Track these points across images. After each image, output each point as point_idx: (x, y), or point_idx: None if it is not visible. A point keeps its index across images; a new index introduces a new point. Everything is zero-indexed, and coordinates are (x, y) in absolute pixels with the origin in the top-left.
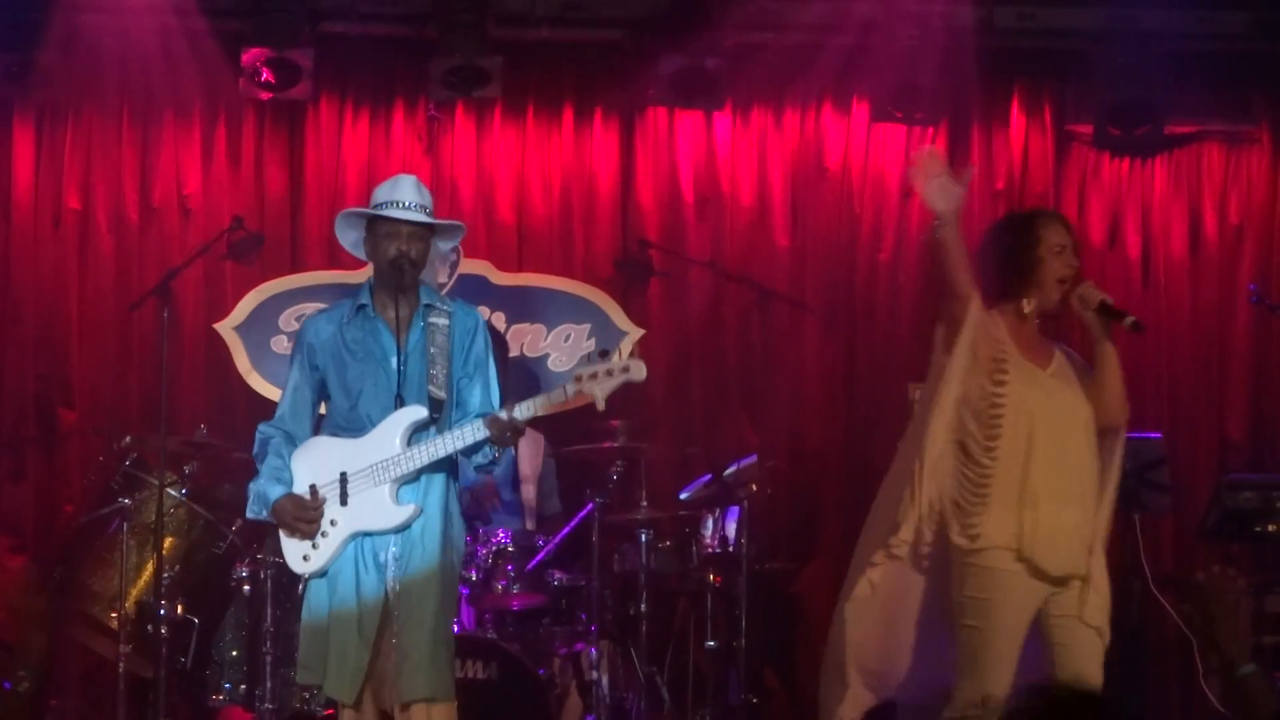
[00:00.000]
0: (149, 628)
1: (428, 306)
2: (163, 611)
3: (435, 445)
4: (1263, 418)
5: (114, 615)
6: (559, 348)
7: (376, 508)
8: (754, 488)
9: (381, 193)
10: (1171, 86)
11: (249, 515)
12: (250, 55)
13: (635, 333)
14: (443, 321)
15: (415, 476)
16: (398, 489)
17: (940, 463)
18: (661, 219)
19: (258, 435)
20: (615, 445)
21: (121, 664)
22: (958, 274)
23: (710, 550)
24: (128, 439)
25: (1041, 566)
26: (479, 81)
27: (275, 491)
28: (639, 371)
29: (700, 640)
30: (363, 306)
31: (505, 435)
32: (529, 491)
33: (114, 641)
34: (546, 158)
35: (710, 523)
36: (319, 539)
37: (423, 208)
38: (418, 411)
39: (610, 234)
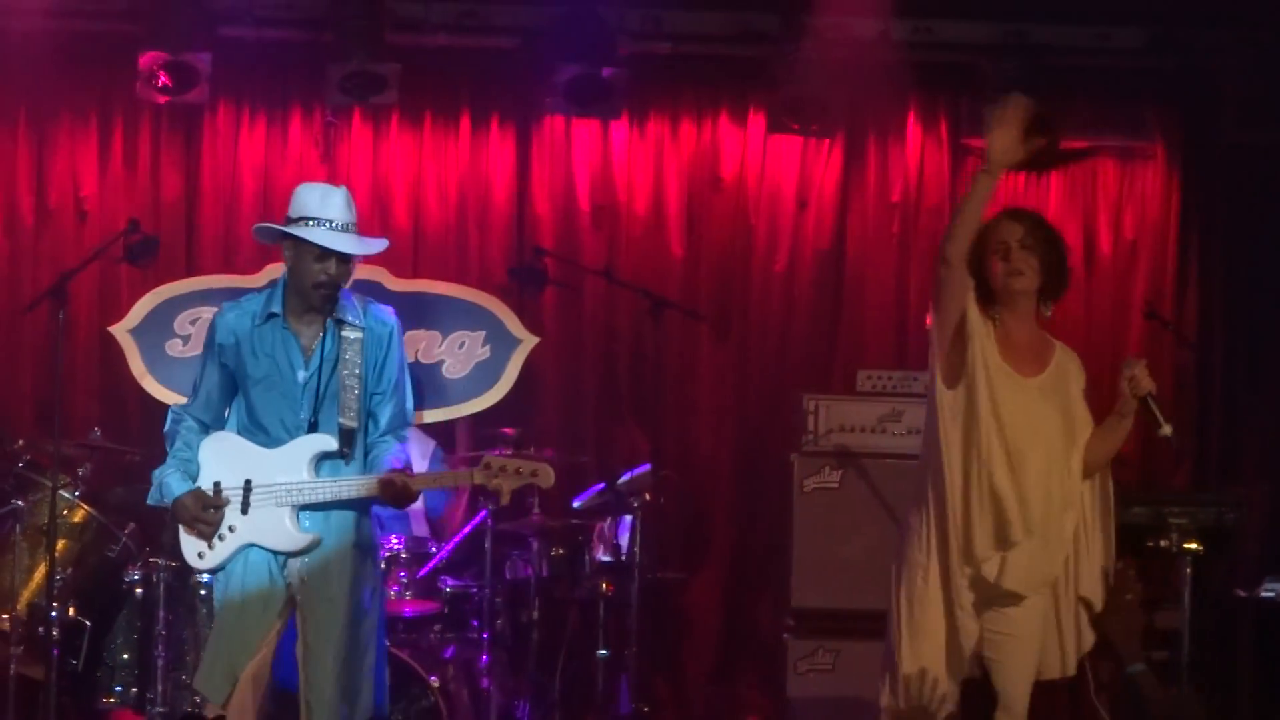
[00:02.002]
0: (40, 630)
1: (339, 322)
2: (54, 614)
3: (338, 486)
4: (1153, 434)
5: (4, 617)
6: (453, 354)
7: (275, 528)
8: (646, 496)
9: (309, 204)
10: (1066, 101)
11: (149, 501)
12: (147, 59)
13: (529, 340)
14: (355, 336)
15: (314, 502)
16: (298, 514)
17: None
18: (557, 227)
19: (170, 414)
20: (508, 451)
21: (12, 665)
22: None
23: (602, 559)
24: (20, 441)
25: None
26: (375, 88)
27: (180, 487)
28: (546, 479)
29: (592, 648)
30: (274, 315)
31: (399, 498)
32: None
33: (4, 643)
34: (443, 165)
35: (604, 530)
36: (215, 540)
37: (351, 226)
38: (327, 442)
39: (506, 241)
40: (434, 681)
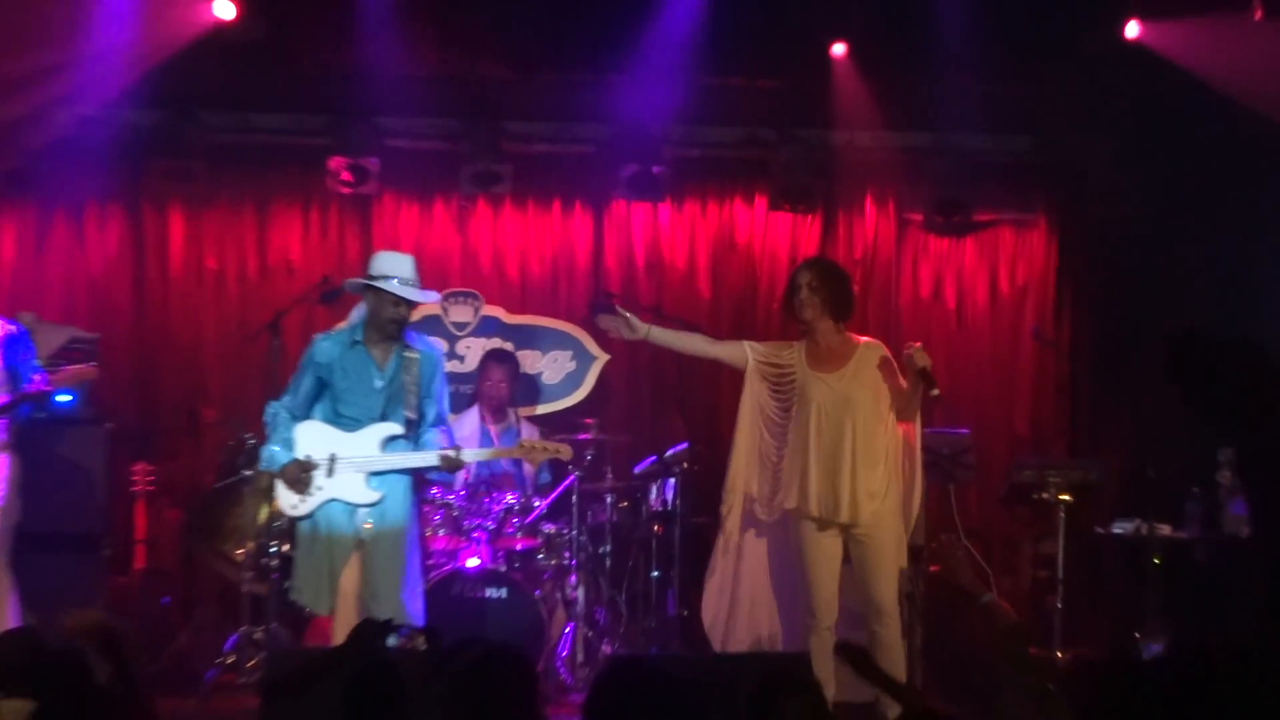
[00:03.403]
0: (263, 560)
1: (403, 347)
2: (272, 549)
3: (402, 459)
4: (1039, 420)
5: (240, 551)
6: (550, 367)
7: (353, 487)
8: (685, 465)
9: (387, 266)
10: (977, 187)
11: (261, 468)
12: (335, 162)
13: (603, 357)
14: (413, 357)
15: (383, 472)
16: (368, 477)
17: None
18: (621, 277)
19: (269, 408)
20: (589, 436)
21: (245, 585)
22: (716, 355)
23: (656, 509)
24: (250, 431)
25: (827, 519)
26: (494, 181)
27: (284, 457)
28: (567, 453)
29: (648, 571)
30: (357, 342)
31: (453, 467)
32: (529, 469)
33: (239, 570)
34: (542, 235)
35: (656, 490)
36: (307, 496)
37: (416, 282)
38: (394, 427)
39: (586, 287)
40: (537, 595)
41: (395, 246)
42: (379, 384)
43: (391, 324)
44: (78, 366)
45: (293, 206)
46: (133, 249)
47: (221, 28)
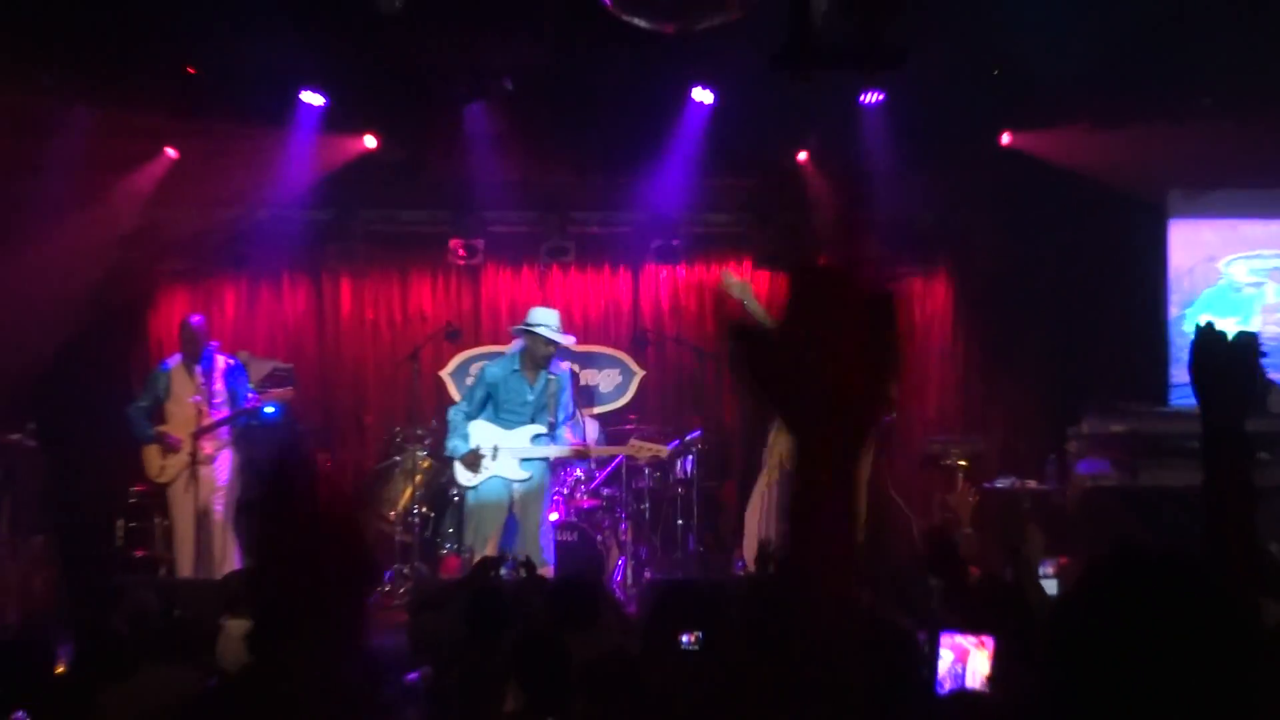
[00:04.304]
0: (409, 519)
1: (548, 372)
2: (416, 510)
3: (544, 449)
4: (943, 409)
5: (392, 513)
6: (603, 380)
7: (511, 468)
8: (699, 446)
9: (540, 316)
10: (897, 249)
11: (445, 454)
12: (454, 242)
13: (640, 372)
14: (553, 379)
15: (530, 459)
16: (521, 461)
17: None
18: (651, 318)
19: (451, 410)
20: (632, 428)
21: (396, 536)
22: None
23: (680, 477)
24: (398, 428)
25: None
26: (564, 253)
27: (464, 447)
28: (662, 452)
29: (674, 521)
30: (515, 370)
31: (580, 456)
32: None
33: (392, 525)
34: (599, 290)
35: (679, 464)
36: (478, 473)
37: (559, 328)
38: (539, 428)
39: (629, 325)
40: (599, 539)
41: (495, 303)
42: (530, 398)
43: (542, 357)
44: (279, 389)
45: (424, 274)
46: (315, 305)
47: (370, 153)
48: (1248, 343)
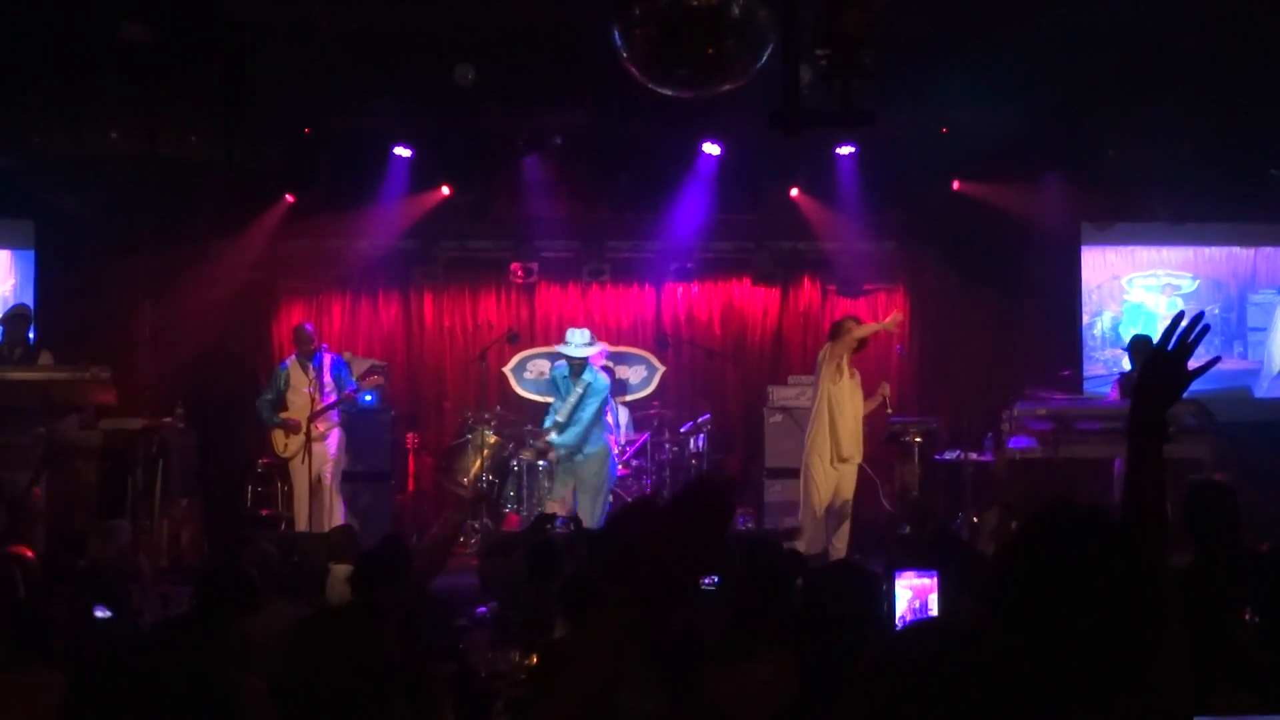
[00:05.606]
0: (479, 485)
1: (585, 378)
2: (484, 479)
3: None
4: (903, 395)
5: (464, 481)
6: (634, 374)
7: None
8: (708, 428)
9: (572, 336)
10: (866, 270)
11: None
12: (514, 266)
13: (661, 368)
14: (589, 381)
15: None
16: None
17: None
18: (671, 325)
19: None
20: (655, 413)
21: (468, 498)
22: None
23: (694, 451)
24: (469, 412)
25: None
26: (601, 275)
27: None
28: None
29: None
30: (566, 376)
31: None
32: (622, 435)
33: (466, 489)
34: (630, 305)
35: (692, 440)
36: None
37: (588, 343)
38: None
39: (653, 331)
40: (630, 500)
41: (547, 314)
42: (574, 397)
43: (578, 365)
44: (375, 378)
45: (490, 290)
46: (404, 315)
47: (446, 198)
48: (1179, 353)
